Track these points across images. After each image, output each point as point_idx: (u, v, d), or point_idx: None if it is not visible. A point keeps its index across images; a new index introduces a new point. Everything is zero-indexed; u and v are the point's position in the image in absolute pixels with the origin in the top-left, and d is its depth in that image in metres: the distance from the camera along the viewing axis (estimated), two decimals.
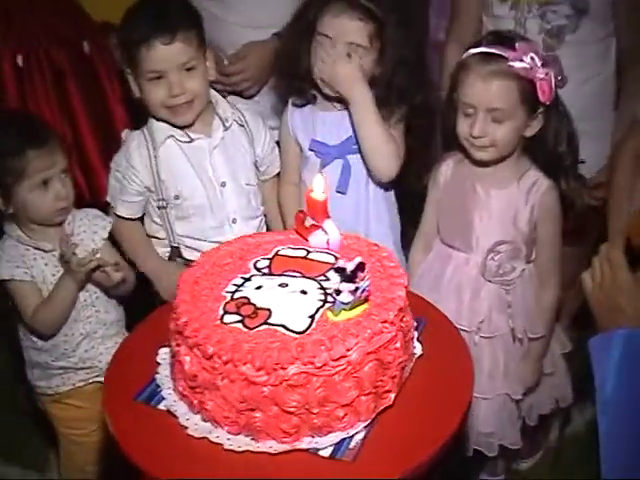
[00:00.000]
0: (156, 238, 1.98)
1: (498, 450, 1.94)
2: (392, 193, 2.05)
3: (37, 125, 1.87)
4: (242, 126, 1.98)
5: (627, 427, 1.38)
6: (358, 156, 1.95)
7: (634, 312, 1.40)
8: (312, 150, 1.98)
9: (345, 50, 1.83)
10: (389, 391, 1.25)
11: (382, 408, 1.25)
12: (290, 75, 1.97)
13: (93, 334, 1.91)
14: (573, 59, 1.99)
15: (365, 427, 1.22)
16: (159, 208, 1.92)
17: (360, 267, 1.20)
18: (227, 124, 1.94)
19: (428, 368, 1.35)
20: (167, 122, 1.88)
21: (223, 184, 1.93)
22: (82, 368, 1.95)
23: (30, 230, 1.85)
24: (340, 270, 1.21)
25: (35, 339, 1.93)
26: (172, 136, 1.89)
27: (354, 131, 1.91)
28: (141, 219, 2.00)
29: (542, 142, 1.78)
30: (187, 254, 1.96)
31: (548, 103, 1.71)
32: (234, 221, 1.94)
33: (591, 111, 2.02)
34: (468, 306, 1.78)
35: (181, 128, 1.89)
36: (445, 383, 1.34)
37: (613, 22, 2.06)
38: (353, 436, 1.21)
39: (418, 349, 1.38)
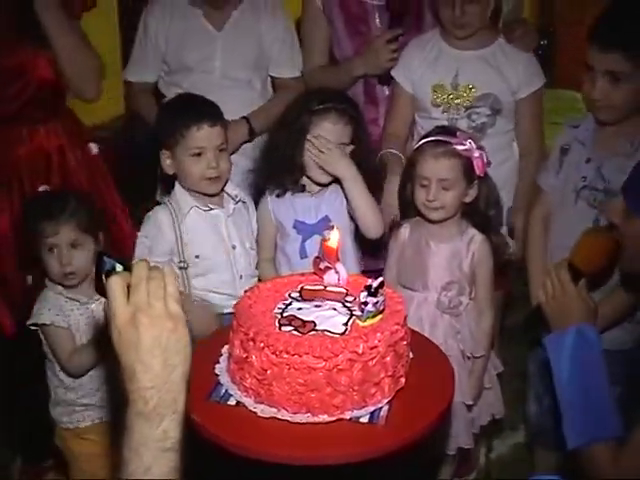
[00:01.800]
0: None
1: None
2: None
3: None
4: (244, 203, 2.42)
5: (582, 401, 1.74)
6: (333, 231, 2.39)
7: (580, 314, 1.78)
8: (295, 228, 2.37)
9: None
10: (402, 376, 1.71)
11: (398, 388, 1.69)
12: (285, 170, 2.35)
13: None
14: (494, 146, 2.46)
15: (387, 402, 1.67)
16: (180, 269, 2.30)
17: (381, 285, 1.68)
18: (236, 199, 2.38)
19: (419, 365, 1.79)
20: (197, 192, 2.30)
21: (234, 247, 2.36)
22: (102, 406, 2.28)
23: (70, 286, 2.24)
24: (367, 288, 1.68)
25: (62, 378, 2.28)
26: (195, 206, 2.31)
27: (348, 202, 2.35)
28: None
29: (476, 207, 2.29)
30: None
31: (482, 176, 2.24)
32: (241, 277, 2.35)
33: (506, 184, 2.52)
34: (428, 333, 2.17)
35: (207, 199, 2.32)
36: (433, 374, 1.80)
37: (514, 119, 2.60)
38: (381, 408, 1.65)
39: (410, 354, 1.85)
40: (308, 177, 2.38)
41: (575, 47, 2.28)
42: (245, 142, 2.79)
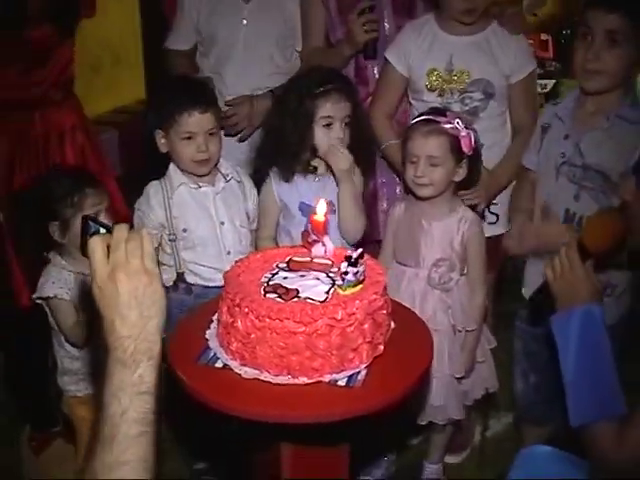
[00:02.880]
0: (166, 265, 2.46)
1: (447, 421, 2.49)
2: None
3: (89, 174, 2.46)
4: (239, 182, 2.52)
5: (587, 381, 1.76)
6: (335, 215, 2.45)
7: (587, 294, 1.79)
8: (300, 210, 2.46)
9: (342, 126, 2.39)
10: (380, 343, 1.80)
11: (376, 355, 1.78)
12: (296, 154, 2.44)
13: None
14: (486, 129, 2.56)
15: (365, 367, 1.75)
16: (170, 240, 2.43)
17: (361, 255, 1.77)
18: (227, 178, 2.48)
19: (401, 335, 1.88)
20: (187, 172, 2.42)
21: (222, 223, 2.46)
22: None
23: (73, 259, 2.34)
24: (348, 258, 1.77)
25: (68, 348, 2.40)
26: (184, 183, 2.43)
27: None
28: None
29: (468, 185, 2.38)
30: (189, 279, 2.46)
31: (470, 154, 2.31)
32: (229, 252, 2.45)
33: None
34: (419, 308, 2.28)
35: (196, 177, 2.43)
36: (414, 343, 1.89)
37: (507, 102, 2.65)
38: (359, 373, 1.73)
39: (392, 324, 1.93)
40: (321, 158, 2.46)
41: None
42: None
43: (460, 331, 2.38)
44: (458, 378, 2.41)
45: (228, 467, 2.61)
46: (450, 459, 2.83)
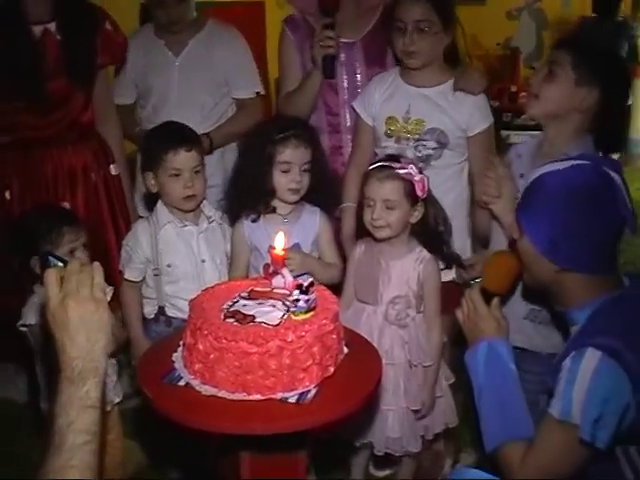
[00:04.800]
0: (148, 298, 2.65)
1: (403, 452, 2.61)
2: None
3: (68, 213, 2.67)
4: (221, 225, 2.71)
5: (495, 409, 1.92)
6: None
7: (490, 330, 1.99)
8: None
9: (300, 171, 2.56)
10: (330, 365, 1.96)
11: (326, 376, 1.94)
12: (257, 195, 2.60)
13: None
14: (437, 177, 2.66)
15: (315, 387, 1.91)
16: (154, 275, 2.61)
17: (311, 284, 1.95)
18: (210, 220, 2.67)
19: (353, 361, 2.04)
20: (174, 210, 2.60)
21: (203, 261, 2.63)
22: None
23: None
24: (299, 286, 1.95)
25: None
26: (171, 222, 2.61)
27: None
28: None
29: (425, 226, 2.52)
30: (170, 312, 2.62)
31: (424, 197, 2.47)
32: None
33: (453, 212, 2.68)
34: (376, 342, 2.37)
35: (182, 216, 2.62)
36: (363, 367, 2.05)
37: (467, 153, 2.79)
38: (309, 391, 1.89)
39: (345, 350, 2.10)
40: (279, 199, 2.63)
41: None
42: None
43: (416, 366, 2.51)
44: (415, 411, 2.53)
45: (200, 477, 2.75)
46: None
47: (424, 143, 2.74)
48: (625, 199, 1.82)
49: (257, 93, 3.49)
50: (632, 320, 1.75)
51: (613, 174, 1.83)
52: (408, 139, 2.76)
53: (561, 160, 1.91)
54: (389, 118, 2.79)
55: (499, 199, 2.36)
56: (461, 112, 2.73)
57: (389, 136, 2.79)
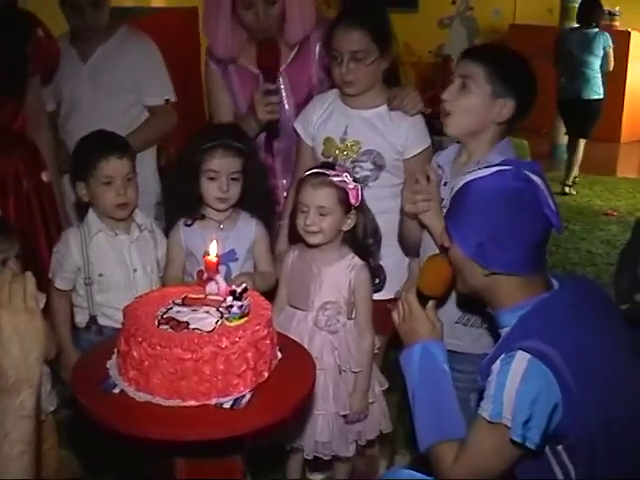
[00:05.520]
0: (79, 307, 2.66)
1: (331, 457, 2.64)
2: None
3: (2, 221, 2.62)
4: (152, 232, 2.72)
5: (427, 409, 1.97)
6: (236, 263, 2.67)
7: (424, 332, 2.04)
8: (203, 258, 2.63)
9: (227, 181, 2.59)
10: (264, 370, 1.99)
11: (260, 381, 1.97)
12: (185, 201, 2.65)
13: None
14: (374, 199, 2.67)
15: (249, 392, 1.94)
16: (85, 284, 2.61)
17: (245, 290, 1.98)
18: (142, 228, 2.68)
19: (287, 366, 2.08)
20: (106, 218, 2.60)
21: (135, 270, 2.64)
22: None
23: None
24: (232, 293, 1.97)
25: None
26: (102, 231, 2.61)
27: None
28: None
29: (355, 235, 2.58)
30: (101, 321, 2.63)
31: (357, 205, 2.52)
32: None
33: (387, 233, 2.70)
34: (307, 348, 2.35)
35: (113, 224, 2.62)
36: (297, 372, 2.09)
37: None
38: (243, 396, 1.92)
39: (279, 355, 2.13)
40: (209, 206, 2.67)
41: None
42: None
43: (345, 371, 2.55)
44: (343, 416, 2.57)
45: None
46: None
47: (361, 165, 2.75)
48: (548, 200, 1.87)
49: (167, 100, 3.53)
50: (560, 322, 1.80)
51: (534, 177, 1.88)
52: (345, 160, 2.76)
53: (484, 167, 1.96)
54: (326, 139, 2.81)
55: (429, 209, 2.38)
56: (397, 134, 2.74)
57: (326, 157, 2.81)
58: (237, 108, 3.13)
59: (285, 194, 3.08)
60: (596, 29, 7.30)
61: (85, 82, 3.40)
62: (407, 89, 2.85)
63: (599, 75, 7.33)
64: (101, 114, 3.31)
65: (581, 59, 7.31)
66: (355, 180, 2.59)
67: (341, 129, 2.79)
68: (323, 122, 2.84)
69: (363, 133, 2.77)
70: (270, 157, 3.11)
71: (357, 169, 2.74)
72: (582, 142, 7.52)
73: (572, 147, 7.63)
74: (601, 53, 7.27)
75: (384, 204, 2.74)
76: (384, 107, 2.78)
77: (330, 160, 2.78)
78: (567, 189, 7.47)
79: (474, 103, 2.33)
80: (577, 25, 7.53)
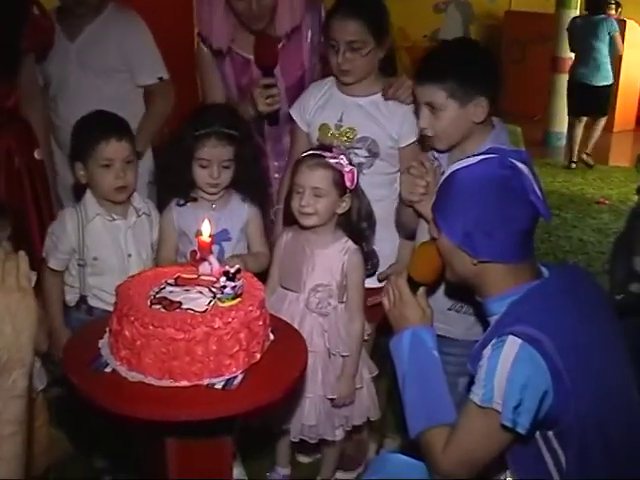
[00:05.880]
0: (70, 286, 2.64)
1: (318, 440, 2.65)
2: None
3: None
4: (148, 215, 2.70)
5: (417, 395, 1.97)
6: (230, 242, 2.67)
7: (415, 318, 2.04)
8: (196, 238, 2.57)
9: (219, 168, 2.58)
10: (256, 351, 1.99)
11: (252, 362, 1.97)
12: (177, 184, 2.65)
13: None
14: (368, 186, 2.67)
15: (241, 373, 1.94)
16: (79, 265, 2.59)
17: (238, 271, 1.97)
18: (139, 213, 2.66)
19: (279, 347, 2.08)
20: (104, 201, 2.58)
21: (129, 255, 2.63)
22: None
23: None
24: (226, 273, 1.97)
25: None
26: (99, 215, 2.60)
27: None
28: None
29: (349, 219, 2.58)
30: (92, 302, 2.62)
31: (352, 188, 2.52)
32: None
33: (382, 220, 2.69)
34: (298, 329, 2.38)
35: (111, 208, 2.60)
36: (289, 354, 2.09)
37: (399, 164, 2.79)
38: (235, 377, 1.92)
39: (271, 336, 2.13)
40: (201, 189, 2.66)
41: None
42: None
43: (334, 355, 2.55)
44: (330, 399, 2.56)
45: (129, 464, 2.73)
46: (344, 475, 2.95)
47: (355, 152, 2.75)
48: (534, 187, 1.86)
49: (160, 78, 3.50)
50: (552, 309, 1.80)
51: (520, 165, 1.88)
52: (339, 147, 2.72)
53: (470, 157, 1.96)
54: (322, 125, 2.81)
55: (425, 197, 2.36)
56: (392, 122, 2.74)
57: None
58: (229, 92, 3.12)
59: (276, 175, 3.11)
60: (602, 15, 7.55)
61: (73, 62, 3.36)
62: (402, 78, 2.84)
63: (608, 60, 7.64)
64: (90, 94, 3.26)
65: (590, 45, 7.58)
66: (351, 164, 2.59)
67: (337, 116, 2.79)
68: (319, 109, 2.84)
69: (358, 120, 2.77)
70: (261, 139, 3.10)
71: (352, 156, 2.72)
72: (602, 120, 7.91)
73: (571, 128, 8.04)
74: (606, 39, 7.54)
75: (378, 192, 2.75)
76: (380, 95, 2.78)
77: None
78: (585, 157, 7.99)
79: (449, 122, 2.32)
80: (585, 12, 7.88)
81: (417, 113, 2.45)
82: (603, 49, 7.58)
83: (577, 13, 8.35)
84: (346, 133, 2.77)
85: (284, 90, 3.03)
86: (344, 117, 2.78)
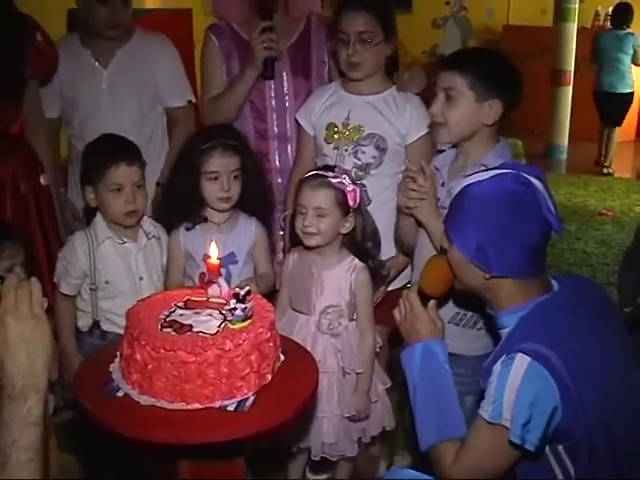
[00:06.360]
0: (82, 311, 2.64)
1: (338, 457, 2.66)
2: None
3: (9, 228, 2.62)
4: (158, 239, 2.71)
5: (428, 408, 1.98)
6: (236, 265, 2.68)
7: (426, 331, 2.05)
8: (204, 261, 2.54)
9: (229, 180, 2.59)
10: (267, 373, 1.99)
11: (263, 383, 1.97)
12: (188, 205, 2.64)
13: None
14: (376, 186, 2.74)
15: (253, 395, 1.94)
16: (90, 290, 2.59)
17: (248, 293, 1.98)
18: (149, 236, 2.67)
19: (290, 369, 2.08)
20: (114, 225, 2.59)
21: (141, 278, 2.63)
22: None
23: None
24: (236, 295, 1.98)
25: None
26: (110, 238, 2.60)
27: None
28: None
29: (354, 238, 2.58)
30: (105, 326, 2.62)
31: (355, 207, 2.52)
32: None
33: (390, 223, 2.67)
34: (310, 351, 2.36)
35: (121, 232, 2.60)
36: (300, 374, 2.09)
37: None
38: (247, 399, 1.93)
39: (282, 357, 2.14)
40: (211, 207, 2.66)
41: None
42: None
43: (349, 373, 2.56)
44: (348, 417, 2.57)
45: None
46: None
47: (363, 149, 2.76)
48: (548, 203, 1.87)
49: (189, 101, 3.48)
50: (560, 326, 1.80)
51: (534, 180, 1.89)
52: (347, 145, 2.78)
53: (483, 171, 1.97)
54: (329, 125, 2.82)
55: (422, 203, 2.39)
56: (401, 117, 2.77)
57: (328, 142, 2.82)
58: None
59: (279, 180, 3.10)
60: (627, 30, 8.22)
61: (105, 87, 3.27)
62: (416, 67, 2.95)
63: (630, 69, 8.27)
64: (120, 120, 3.20)
65: (614, 56, 8.21)
66: (359, 167, 2.65)
67: (344, 114, 2.82)
68: (326, 109, 2.86)
69: (366, 117, 2.79)
70: (263, 142, 3.10)
71: (359, 154, 2.76)
72: (616, 129, 8.54)
73: (605, 136, 8.60)
74: (631, 51, 8.21)
75: (386, 193, 2.76)
76: (388, 92, 2.82)
77: (332, 145, 2.81)
78: (605, 170, 8.50)
79: (462, 112, 2.35)
80: (610, 27, 8.54)
81: (428, 104, 2.48)
82: (626, 59, 8.21)
83: (575, 26, 8.42)
84: (353, 130, 2.79)
85: (292, 86, 3.07)
86: (351, 115, 2.80)
